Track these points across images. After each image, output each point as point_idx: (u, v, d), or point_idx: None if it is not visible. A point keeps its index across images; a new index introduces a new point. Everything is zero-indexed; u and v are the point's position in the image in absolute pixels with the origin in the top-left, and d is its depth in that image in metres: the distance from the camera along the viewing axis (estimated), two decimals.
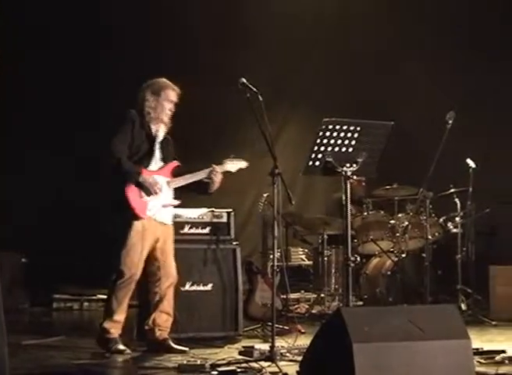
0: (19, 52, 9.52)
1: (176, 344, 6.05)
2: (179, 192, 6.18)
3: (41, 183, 9.58)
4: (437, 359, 4.43)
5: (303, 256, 9.87)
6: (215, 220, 6.79)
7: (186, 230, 6.72)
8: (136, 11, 10.14)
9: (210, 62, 10.41)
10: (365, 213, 8.72)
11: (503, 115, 9.88)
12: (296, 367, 5.02)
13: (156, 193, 5.97)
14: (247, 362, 5.34)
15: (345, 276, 6.27)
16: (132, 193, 5.90)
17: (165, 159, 6.14)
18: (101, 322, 6.00)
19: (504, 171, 9.62)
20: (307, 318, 7.85)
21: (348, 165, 5.56)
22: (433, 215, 8.42)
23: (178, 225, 6.57)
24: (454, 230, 8.43)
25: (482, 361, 5.35)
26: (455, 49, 10.41)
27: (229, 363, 5.30)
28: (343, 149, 5.61)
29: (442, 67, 10.32)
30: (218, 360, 5.37)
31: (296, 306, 8.63)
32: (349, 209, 5.59)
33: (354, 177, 5.64)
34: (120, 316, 5.97)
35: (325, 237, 8.39)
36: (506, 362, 5.34)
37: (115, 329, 5.96)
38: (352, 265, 5.57)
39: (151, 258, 6.05)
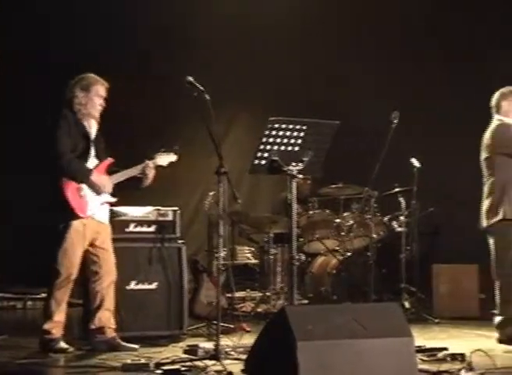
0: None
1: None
2: (116, 189, 6.11)
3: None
4: (380, 357, 4.46)
5: (249, 255, 9.86)
6: (160, 219, 6.73)
7: (131, 228, 6.64)
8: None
9: (158, 61, 10.38)
10: (311, 212, 8.75)
11: (447, 115, 9.99)
12: (241, 366, 5.03)
13: (105, 192, 5.92)
14: (191, 360, 5.31)
15: (290, 274, 6.29)
16: (70, 192, 5.82)
17: (99, 157, 6.06)
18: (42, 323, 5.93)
19: (448, 171, 9.74)
20: (253, 316, 7.84)
21: (294, 164, 5.57)
22: (378, 214, 8.49)
23: (123, 223, 6.54)
24: (399, 229, 8.52)
25: (425, 358, 5.40)
26: (394, 49, 10.51)
27: (173, 362, 5.28)
28: (289, 148, 5.62)
29: (386, 67, 10.41)
30: (163, 359, 5.33)
31: (242, 305, 8.61)
32: (295, 208, 5.62)
33: (300, 176, 5.65)
34: (60, 317, 5.92)
35: (271, 235, 8.39)
36: (448, 359, 5.39)
37: (56, 329, 5.90)
38: (297, 263, 5.59)
39: (91, 257, 6.00)
